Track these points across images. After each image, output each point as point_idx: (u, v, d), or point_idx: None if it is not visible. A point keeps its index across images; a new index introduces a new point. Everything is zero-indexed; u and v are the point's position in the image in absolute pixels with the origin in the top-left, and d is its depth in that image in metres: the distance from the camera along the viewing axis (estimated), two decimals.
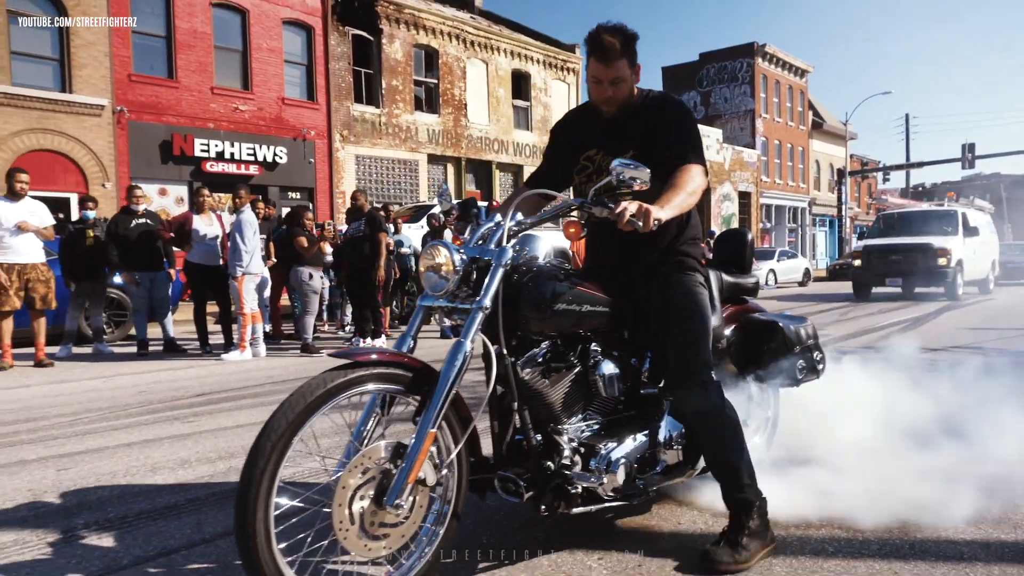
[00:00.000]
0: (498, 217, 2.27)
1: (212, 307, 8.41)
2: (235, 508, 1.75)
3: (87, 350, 8.20)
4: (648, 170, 2.09)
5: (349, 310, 10.32)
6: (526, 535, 2.51)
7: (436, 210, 2.81)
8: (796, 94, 39.38)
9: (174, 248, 8.17)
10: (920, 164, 34.13)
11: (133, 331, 9.31)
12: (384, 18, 20.81)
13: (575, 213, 2.27)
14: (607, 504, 2.30)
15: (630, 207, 2.04)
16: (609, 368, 2.38)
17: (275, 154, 18.38)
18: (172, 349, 8.17)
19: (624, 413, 2.45)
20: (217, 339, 8.28)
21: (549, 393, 2.23)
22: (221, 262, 7.95)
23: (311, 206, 18.22)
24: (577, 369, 2.32)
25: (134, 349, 8.12)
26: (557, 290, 2.17)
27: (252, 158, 18.02)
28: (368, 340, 8.26)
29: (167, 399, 5.23)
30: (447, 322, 2.34)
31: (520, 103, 24.90)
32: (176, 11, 16.87)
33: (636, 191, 2.10)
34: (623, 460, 2.28)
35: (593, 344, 2.38)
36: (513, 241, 2.24)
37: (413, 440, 1.94)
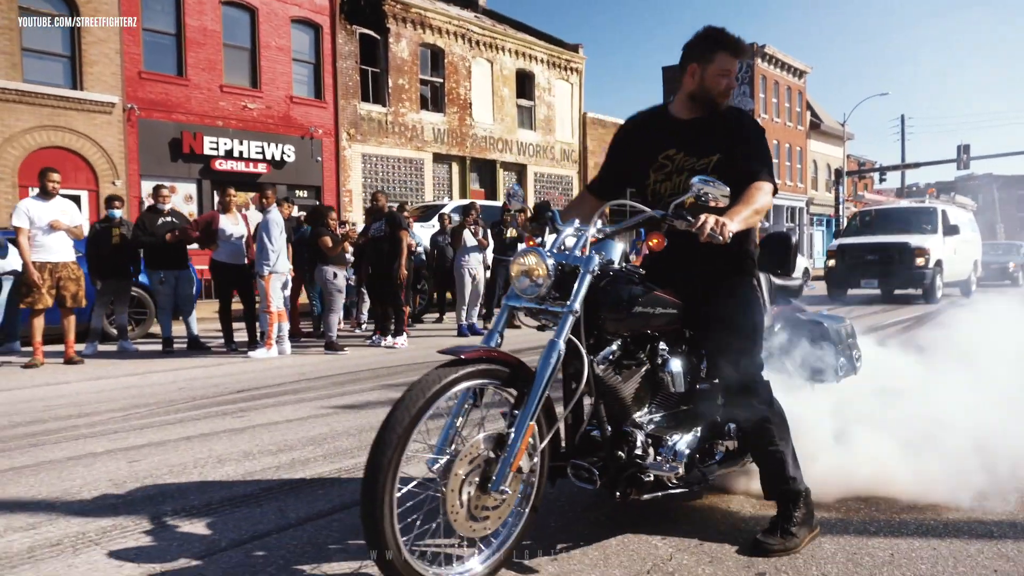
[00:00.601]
0: (576, 223, 2.45)
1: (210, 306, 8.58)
2: (363, 495, 1.94)
3: (112, 348, 8.36)
4: (728, 188, 2.27)
5: (366, 308, 10.51)
6: (590, 518, 2.71)
7: (514, 207, 2.97)
8: (795, 95, 39.63)
9: (199, 247, 8.34)
10: (916, 165, 34.43)
11: (154, 329, 9.51)
12: (391, 17, 20.95)
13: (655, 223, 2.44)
14: (671, 491, 2.49)
15: (709, 221, 2.22)
16: (676, 366, 2.57)
17: (283, 152, 18.52)
18: (196, 347, 8.34)
19: (684, 406, 2.65)
20: (241, 336, 8.45)
21: (622, 388, 2.40)
22: (246, 261, 8.12)
23: (333, 207, 18.40)
24: (647, 366, 2.50)
25: (158, 347, 8.30)
26: (633, 293, 2.34)
27: (260, 156, 18.16)
28: (390, 338, 8.45)
29: (209, 395, 5.42)
30: (531, 321, 2.50)
31: (524, 103, 25.06)
32: (186, 9, 16.98)
33: (714, 208, 2.29)
34: (687, 450, 2.49)
35: (661, 343, 2.58)
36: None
37: (514, 431, 2.12)
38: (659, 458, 2.42)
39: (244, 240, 8.12)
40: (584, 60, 26.92)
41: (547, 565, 2.34)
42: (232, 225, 8.05)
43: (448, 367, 2.10)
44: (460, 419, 2.25)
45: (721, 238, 2.23)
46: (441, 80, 22.49)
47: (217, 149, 17.42)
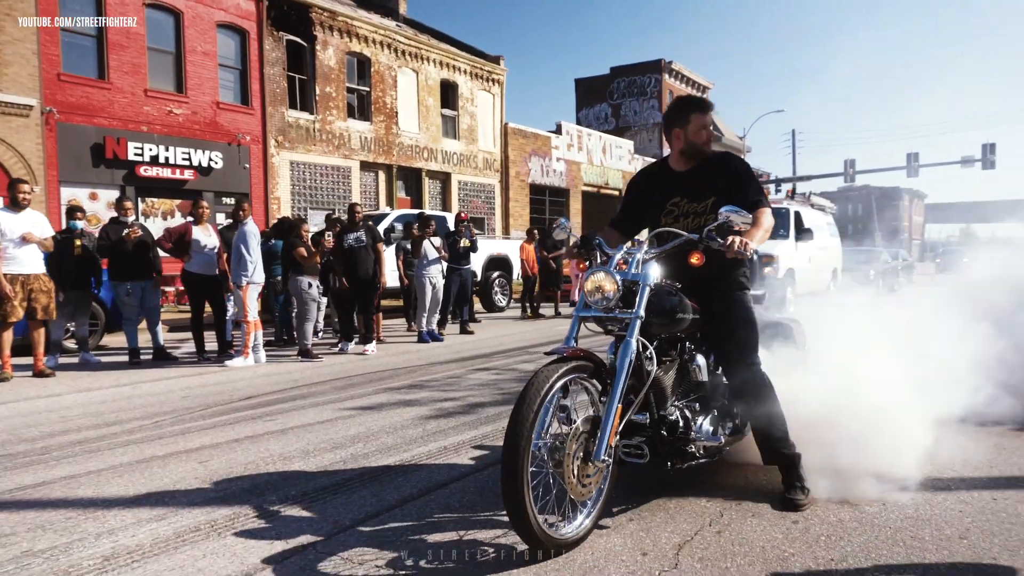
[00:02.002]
0: (625, 247, 3.02)
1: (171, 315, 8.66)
2: (504, 476, 2.41)
3: (72, 360, 8.28)
4: (750, 216, 2.92)
5: (321, 316, 10.73)
6: (643, 489, 3.31)
7: (558, 236, 3.48)
8: None
9: (170, 257, 8.39)
10: (808, 177, 37.24)
11: (105, 341, 9.39)
12: (318, 25, 20.95)
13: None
14: (700, 460, 3.10)
15: (736, 241, 2.87)
16: (700, 360, 3.23)
17: (210, 159, 18.21)
18: (162, 357, 8.37)
19: (700, 393, 3.28)
20: (211, 345, 8.55)
21: (663, 379, 2.99)
22: (217, 272, 8.26)
23: (305, 218, 18.28)
24: (678, 361, 3.13)
25: (118, 358, 8.28)
26: (674, 303, 2.95)
27: (187, 162, 17.79)
28: (362, 345, 8.81)
29: (220, 402, 5.66)
30: (597, 328, 3.00)
31: (448, 112, 25.51)
32: (108, 10, 16.47)
33: (737, 230, 2.93)
34: (711, 427, 3.14)
35: (687, 343, 3.22)
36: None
37: (604, 414, 2.66)
38: (693, 434, 3.03)
39: (216, 251, 8.26)
40: (505, 72, 27.68)
41: (628, 524, 2.92)
42: (205, 236, 8.17)
43: (554, 364, 2.62)
44: (555, 409, 2.69)
45: (746, 253, 2.88)
46: (368, 89, 22.64)
47: (142, 155, 16.95)
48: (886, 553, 2.61)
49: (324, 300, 10.05)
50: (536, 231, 14.89)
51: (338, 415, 5.11)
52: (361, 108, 22.61)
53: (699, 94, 41.40)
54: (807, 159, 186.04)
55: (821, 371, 3.64)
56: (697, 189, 3.25)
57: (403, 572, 2.48)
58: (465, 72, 26.08)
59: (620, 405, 2.68)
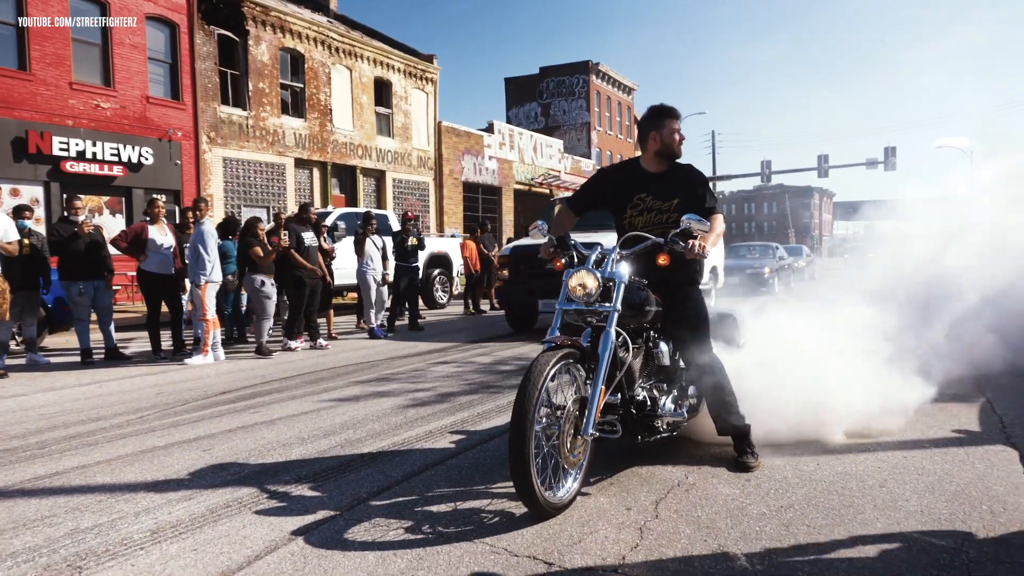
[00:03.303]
0: (601, 248, 3.46)
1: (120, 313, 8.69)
2: (512, 451, 2.78)
3: (19, 361, 8.18)
4: (708, 223, 3.43)
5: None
6: (617, 459, 3.79)
7: (535, 237, 3.85)
8: (624, 109, 43.24)
9: (129, 255, 8.40)
10: (728, 177, 39.05)
11: (46, 342, 9.27)
12: (250, 19, 20.69)
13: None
14: (663, 435, 3.60)
15: (695, 244, 3.37)
16: (663, 347, 3.73)
17: (140, 155, 17.79)
18: (114, 356, 8.37)
19: (664, 375, 3.79)
20: (166, 344, 8.59)
21: (632, 363, 3.45)
22: (173, 271, 8.33)
23: (262, 217, 17.93)
24: (644, 349, 3.63)
25: (67, 359, 8.24)
26: (643, 297, 3.43)
27: (116, 158, 17.32)
28: (320, 341, 9.07)
29: (197, 398, 5.85)
30: (577, 321, 3.39)
31: (382, 110, 25.58)
32: (29, 7, 15.87)
33: (696, 235, 3.44)
34: (673, 405, 3.64)
35: (651, 331, 3.72)
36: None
37: (591, 394, 3.09)
38: (660, 411, 3.51)
39: (172, 250, 8.32)
40: (439, 70, 27.90)
41: (610, 487, 3.40)
42: (161, 236, 8.23)
43: (550, 352, 3.03)
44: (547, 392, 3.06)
45: (704, 255, 3.40)
46: (301, 85, 22.50)
47: (67, 150, 16.43)
48: (823, 500, 3.18)
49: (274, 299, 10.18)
50: (479, 229, 15.27)
51: (319, 406, 5.41)
52: (295, 105, 22.45)
53: (626, 96, 42.65)
54: (728, 159, 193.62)
55: (760, 356, 4.19)
56: (664, 189, 3.73)
57: (424, 535, 2.86)
58: (399, 70, 26.19)
59: (604, 386, 3.12)
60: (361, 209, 16.44)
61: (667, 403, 3.57)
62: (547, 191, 32.41)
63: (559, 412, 3.08)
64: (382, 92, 25.69)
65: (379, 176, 25.50)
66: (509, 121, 40.02)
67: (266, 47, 21.19)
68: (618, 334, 3.25)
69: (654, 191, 3.73)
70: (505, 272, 10.39)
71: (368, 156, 24.84)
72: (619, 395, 3.34)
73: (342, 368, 7.41)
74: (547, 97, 40.41)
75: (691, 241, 3.37)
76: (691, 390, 3.87)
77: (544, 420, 2.99)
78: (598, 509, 3.12)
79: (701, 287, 3.90)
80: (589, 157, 38.81)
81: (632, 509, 3.10)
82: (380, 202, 25.31)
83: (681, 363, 3.79)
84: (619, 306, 3.24)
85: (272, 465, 3.88)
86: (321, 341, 9.20)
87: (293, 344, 8.93)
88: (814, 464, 3.70)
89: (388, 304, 11.38)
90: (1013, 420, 4.55)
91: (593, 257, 3.40)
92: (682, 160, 3.87)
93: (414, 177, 26.89)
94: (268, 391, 6.09)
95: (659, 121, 3.72)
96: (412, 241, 11.37)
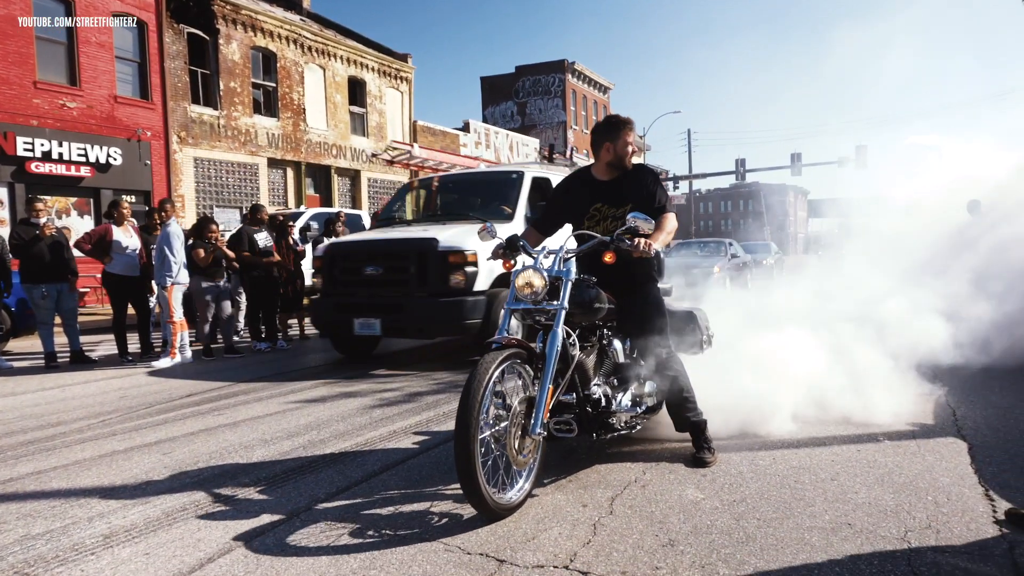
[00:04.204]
0: (547, 247, 3.46)
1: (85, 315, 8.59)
2: (457, 453, 2.75)
3: None
4: (653, 221, 3.45)
5: (242, 316, 10.75)
6: (577, 457, 3.83)
7: (484, 239, 3.83)
8: (600, 108, 43.41)
9: (94, 257, 8.28)
10: (704, 175, 39.37)
11: (10, 346, 9.11)
12: (220, 18, 20.48)
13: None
14: (620, 432, 3.61)
15: (640, 243, 3.38)
16: (617, 345, 3.74)
17: (108, 155, 17.55)
18: (80, 360, 8.26)
19: (619, 373, 3.78)
20: (134, 347, 8.49)
21: (586, 362, 3.46)
22: (139, 273, 8.23)
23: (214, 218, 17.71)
24: (597, 347, 3.64)
25: (32, 362, 8.11)
26: (592, 295, 3.43)
27: (83, 159, 17.08)
28: (281, 343, 9.04)
29: (162, 400, 5.79)
30: (525, 320, 3.39)
31: (357, 109, 25.47)
32: None
33: (643, 234, 3.46)
34: (629, 403, 3.66)
35: (605, 329, 3.74)
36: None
37: (538, 394, 3.07)
38: (615, 409, 3.50)
39: (137, 252, 8.22)
40: (413, 70, 27.83)
41: (567, 484, 3.43)
42: (126, 237, 8.13)
43: (495, 353, 2.99)
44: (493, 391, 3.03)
45: (649, 253, 3.41)
46: (274, 85, 22.32)
47: (32, 150, 16.18)
48: (775, 494, 3.24)
49: (243, 300, 10.10)
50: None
51: (285, 408, 5.39)
52: (268, 104, 22.28)
53: (602, 95, 42.86)
54: (704, 158, 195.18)
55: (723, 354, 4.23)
56: (617, 196, 3.78)
57: (379, 536, 2.86)
58: (373, 69, 26.08)
59: (551, 386, 3.10)
60: (334, 209, 16.34)
61: (623, 401, 3.60)
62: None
63: (507, 412, 3.05)
64: (356, 91, 25.57)
65: (354, 176, 25.38)
66: (485, 120, 40.00)
67: (237, 46, 21.00)
68: (569, 333, 3.26)
69: (608, 199, 3.78)
70: (316, 280, 7.79)
71: (343, 155, 24.72)
72: (574, 394, 3.35)
73: (312, 369, 7.38)
74: (523, 96, 40.46)
75: (637, 239, 3.38)
76: (648, 387, 3.86)
77: (492, 421, 2.99)
78: (554, 506, 3.14)
79: (661, 285, 3.95)
80: (565, 156, 38.87)
81: (588, 506, 3.14)
82: (355, 202, 25.20)
83: (640, 360, 3.83)
84: (567, 304, 3.22)
85: (232, 467, 3.86)
86: (282, 343, 9.16)
87: (261, 346, 8.87)
88: (770, 459, 3.76)
89: None
90: (965, 413, 4.66)
91: (541, 256, 3.40)
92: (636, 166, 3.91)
93: (389, 176, 26.77)
94: (234, 393, 6.05)
95: (614, 132, 3.75)
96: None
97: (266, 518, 3.06)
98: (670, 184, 47.50)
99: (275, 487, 3.50)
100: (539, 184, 8.05)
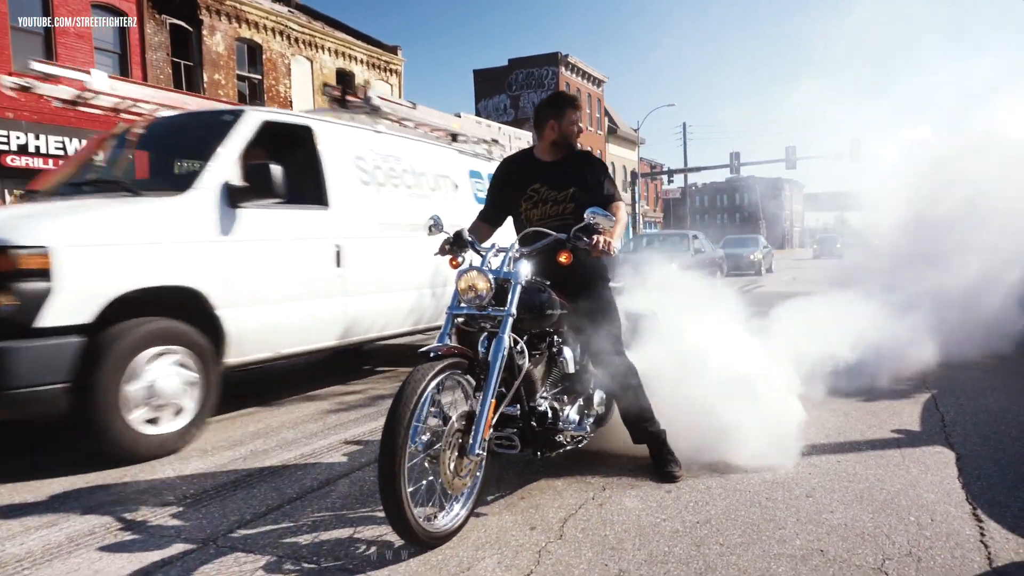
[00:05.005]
0: (496, 246, 3.10)
1: None
2: (381, 475, 2.44)
3: None
4: (613, 218, 3.10)
5: None
6: (533, 470, 3.53)
7: (430, 234, 3.49)
8: (594, 101, 43.05)
9: None
10: (698, 168, 39.08)
11: None
12: (204, 8, 20.10)
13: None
14: (567, 447, 3.28)
15: (600, 240, 3.07)
16: (568, 352, 3.37)
17: None
18: None
19: (568, 383, 3.44)
20: None
21: (533, 372, 3.12)
22: None
23: None
24: (547, 354, 3.30)
25: None
26: (544, 299, 3.10)
27: (62, 151, 16.71)
28: None
29: None
30: (471, 325, 3.05)
31: None
32: None
33: (601, 232, 3.13)
34: (578, 416, 3.33)
35: (555, 336, 3.37)
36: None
37: (479, 408, 2.74)
38: (562, 424, 3.18)
39: None
40: (403, 62, 27.47)
41: (519, 502, 3.14)
42: None
43: (429, 363, 2.63)
44: (431, 405, 2.72)
45: (609, 251, 3.10)
46: (260, 77, 21.95)
47: (8, 143, 15.82)
48: (744, 514, 2.95)
49: None
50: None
51: (239, 412, 5.08)
52: (253, 96, 21.88)
53: (596, 87, 42.51)
54: (699, 151, 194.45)
55: (681, 356, 3.87)
56: (559, 179, 3.44)
57: (300, 568, 2.58)
58: (362, 61, 25.72)
59: (494, 399, 2.77)
60: None
61: (571, 414, 3.28)
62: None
63: (443, 430, 2.72)
64: (345, 84, 25.16)
65: None
66: (478, 114, 39.60)
67: (221, 37, 20.62)
68: (516, 340, 2.96)
69: (548, 181, 3.46)
70: None
71: None
72: (518, 406, 3.05)
73: (278, 368, 7.08)
74: (516, 89, 40.09)
75: (596, 237, 3.07)
76: (598, 398, 3.54)
77: (426, 439, 2.68)
78: (500, 529, 2.85)
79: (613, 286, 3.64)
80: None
81: (536, 528, 2.85)
82: None
83: (592, 369, 3.52)
84: (514, 310, 2.89)
85: (160, 483, 3.56)
86: None
87: None
88: (741, 472, 3.47)
89: None
90: (954, 418, 4.38)
91: (489, 255, 3.08)
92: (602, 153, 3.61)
93: None
94: None
95: (560, 110, 3.45)
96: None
97: (177, 547, 2.76)
98: (664, 177, 47.25)
99: (199, 507, 3.20)
100: (274, 133, 5.04)
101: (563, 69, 39.14)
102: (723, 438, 3.55)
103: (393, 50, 27.17)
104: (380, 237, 5.77)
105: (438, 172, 6.70)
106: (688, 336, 3.96)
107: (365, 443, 4.21)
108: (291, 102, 22.73)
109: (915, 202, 8.14)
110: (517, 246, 3.13)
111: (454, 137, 7.74)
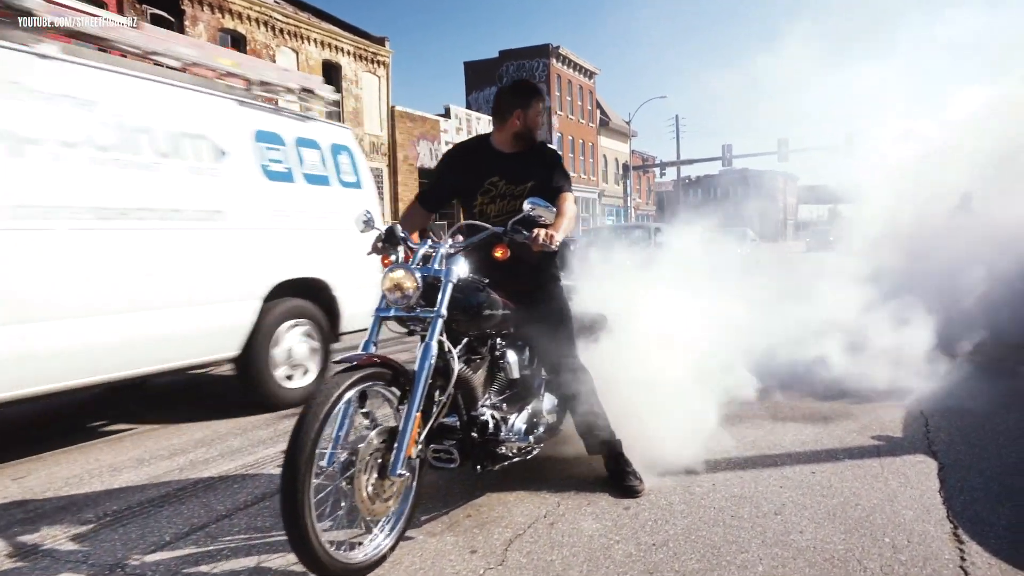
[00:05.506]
0: (429, 242, 2.80)
1: None
2: (283, 499, 2.18)
3: None
4: (554, 209, 2.85)
5: None
6: (487, 483, 3.28)
7: (361, 230, 3.20)
8: (586, 93, 42.74)
9: None
10: (690, 161, 38.87)
11: None
12: None
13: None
14: (513, 460, 3.02)
15: (540, 234, 2.80)
16: (512, 357, 3.14)
17: None
18: None
19: (514, 390, 3.20)
20: None
21: (472, 379, 2.86)
22: None
23: None
24: (489, 359, 3.04)
25: None
26: (481, 299, 2.83)
27: None
28: None
29: (54, 407, 5.22)
30: (397, 328, 2.82)
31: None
32: None
33: (543, 224, 2.87)
34: (524, 426, 3.07)
35: (498, 339, 3.12)
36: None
37: (403, 423, 2.47)
38: (505, 434, 2.94)
39: None
40: (391, 54, 27.11)
41: (464, 520, 2.90)
42: None
43: (343, 374, 2.38)
44: (350, 420, 2.49)
45: (552, 246, 2.82)
46: None
47: None
48: (705, 534, 2.71)
49: None
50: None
51: (190, 415, 4.82)
52: None
53: (588, 80, 42.20)
54: (692, 143, 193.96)
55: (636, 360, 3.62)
56: (518, 172, 3.18)
57: None
58: (349, 53, 25.34)
59: (419, 412, 2.51)
60: None
61: (516, 423, 3.03)
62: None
63: (360, 448, 2.44)
64: (331, 75, 24.79)
65: None
66: (469, 106, 39.23)
67: (204, 28, 20.24)
68: (448, 345, 2.68)
69: (507, 174, 3.18)
70: None
71: None
72: (456, 416, 2.80)
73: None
74: (507, 81, 39.73)
75: (536, 230, 2.80)
76: (548, 405, 3.29)
77: (342, 458, 2.42)
78: (437, 553, 2.61)
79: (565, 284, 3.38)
80: (550, 142, 38.27)
81: (477, 552, 2.60)
82: None
83: (540, 373, 3.28)
84: (444, 311, 2.63)
85: (82, 498, 3.30)
86: None
87: None
88: (709, 484, 3.24)
89: None
90: (938, 423, 4.15)
91: (421, 252, 2.79)
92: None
93: (367, 163, 26.11)
94: (139, 398, 5.47)
95: (527, 99, 3.18)
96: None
97: (84, 570, 2.51)
98: (656, 170, 47.01)
99: (117, 526, 2.95)
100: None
101: (554, 61, 38.80)
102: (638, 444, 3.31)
103: (380, 41, 26.79)
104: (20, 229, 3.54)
105: (179, 129, 4.41)
106: (638, 339, 3.71)
107: (319, 450, 3.96)
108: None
109: (904, 194, 7.94)
110: (451, 241, 2.86)
111: (250, 85, 5.30)
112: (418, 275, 2.62)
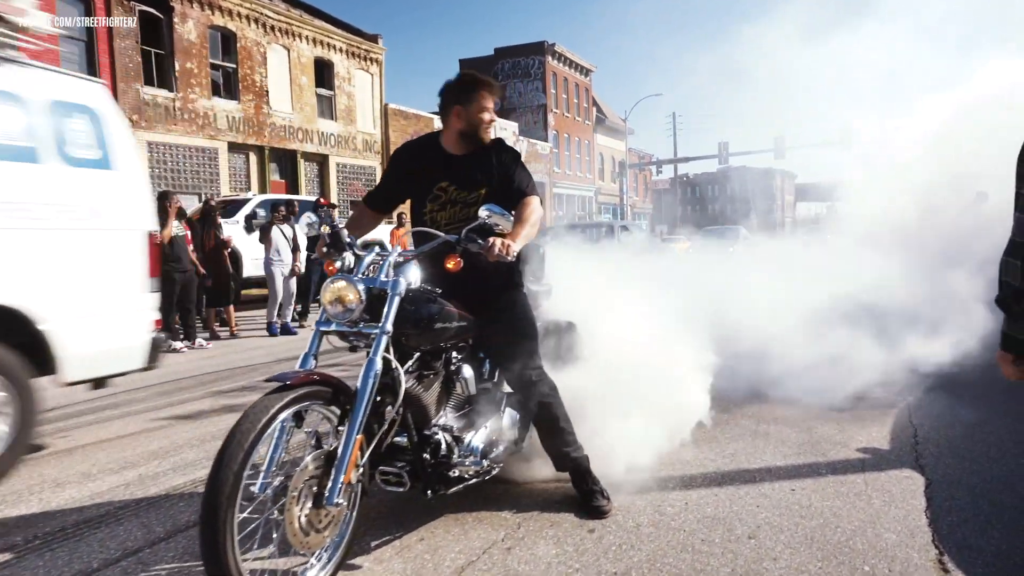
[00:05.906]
0: (377, 249, 2.61)
1: None
2: (202, 530, 2.00)
3: None
4: (511, 217, 2.65)
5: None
6: (450, 501, 3.09)
7: (307, 233, 3.02)
8: (582, 91, 42.50)
9: None
10: (687, 159, 38.62)
11: None
12: None
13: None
14: (469, 482, 2.81)
15: (496, 243, 2.58)
16: (468, 371, 2.93)
17: None
18: None
19: (471, 407, 2.98)
20: None
21: (424, 396, 2.66)
22: None
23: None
24: (443, 374, 2.82)
25: None
26: (432, 311, 2.62)
27: None
28: (199, 341, 8.30)
29: None
30: (339, 343, 2.62)
31: (324, 92, 24.49)
32: None
33: (499, 233, 2.62)
34: (481, 445, 2.84)
35: (453, 352, 2.91)
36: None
37: (342, 447, 2.27)
38: (460, 456, 2.73)
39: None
40: (384, 51, 26.87)
41: (416, 544, 2.71)
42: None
43: (275, 394, 2.19)
44: (285, 442, 2.31)
45: (508, 257, 2.60)
46: (234, 66, 21.35)
47: None
48: (671, 561, 2.52)
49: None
50: (405, 214, 14.53)
51: (145, 426, 4.63)
52: (227, 86, 21.29)
53: (584, 77, 41.97)
54: (690, 141, 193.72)
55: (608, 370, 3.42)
56: (468, 177, 2.93)
57: None
58: (341, 50, 25.11)
59: (361, 435, 2.31)
60: (283, 196, 15.56)
61: (473, 442, 2.82)
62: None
63: (292, 474, 2.24)
64: (323, 73, 24.59)
65: (322, 160, 24.46)
66: None
67: (193, 24, 20.01)
68: (393, 361, 2.47)
69: (457, 179, 2.93)
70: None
71: (309, 140, 23.79)
72: (407, 437, 2.60)
73: (213, 374, 6.63)
74: (502, 79, 39.43)
75: (492, 239, 2.59)
76: (509, 421, 3.06)
77: (274, 485, 2.22)
78: None
79: (537, 289, 3.19)
80: (545, 140, 38.05)
81: None
82: (324, 188, 24.35)
83: (500, 387, 3.08)
84: (389, 326, 2.42)
85: (15, 519, 3.11)
86: (201, 341, 8.46)
87: (177, 345, 8.11)
88: (681, 504, 3.05)
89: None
90: (927, 434, 3.96)
91: (367, 260, 2.58)
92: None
93: (359, 161, 25.91)
94: (101, 407, 5.26)
95: (466, 94, 2.87)
96: (325, 230, 10.54)
97: None
98: (653, 168, 46.81)
99: (45, 550, 2.76)
100: None
101: (550, 58, 38.55)
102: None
103: (373, 39, 26.55)
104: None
105: None
106: (605, 347, 3.51)
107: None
108: (267, 92, 22.16)
109: (898, 193, 7.76)
110: (400, 250, 2.65)
111: None
112: (361, 287, 2.41)
